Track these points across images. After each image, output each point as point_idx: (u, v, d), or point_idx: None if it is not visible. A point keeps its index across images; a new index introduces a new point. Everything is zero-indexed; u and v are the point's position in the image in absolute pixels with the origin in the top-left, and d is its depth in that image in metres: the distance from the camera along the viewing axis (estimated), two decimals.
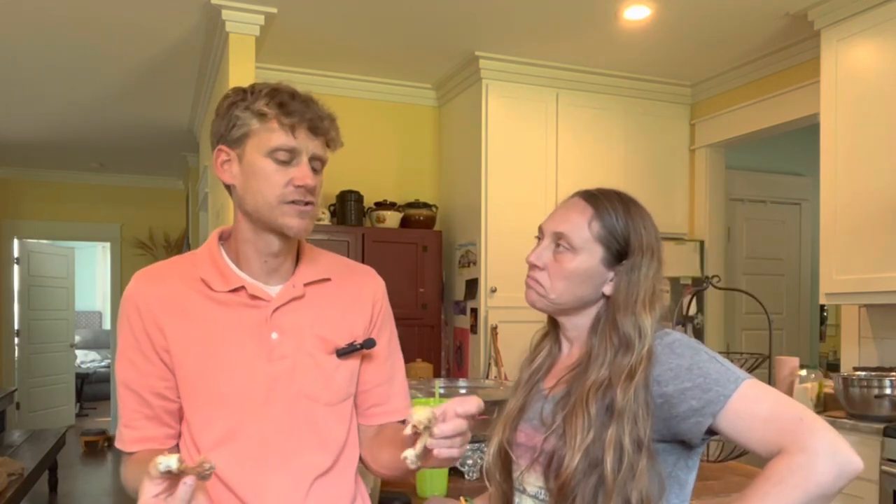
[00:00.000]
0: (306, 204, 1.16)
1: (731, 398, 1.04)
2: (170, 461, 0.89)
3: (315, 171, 1.17)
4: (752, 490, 1.00)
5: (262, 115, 1.14)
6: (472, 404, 1.01)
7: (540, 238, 1.24)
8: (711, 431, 1.07)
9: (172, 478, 0.90)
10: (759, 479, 1.01)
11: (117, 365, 1.21)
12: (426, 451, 1.03)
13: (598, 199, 1.20)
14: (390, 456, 1.19)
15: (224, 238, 1.27)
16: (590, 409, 1.10)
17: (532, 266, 1.22)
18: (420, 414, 1.01)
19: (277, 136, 1.13)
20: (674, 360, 1.10)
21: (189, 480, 0.90)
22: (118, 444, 1.22)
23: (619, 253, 1.18)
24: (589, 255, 1.17)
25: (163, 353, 1.17)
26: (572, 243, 1.18)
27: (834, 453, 0.98)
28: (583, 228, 1.18)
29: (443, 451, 1.00)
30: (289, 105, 1.13)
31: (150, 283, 1.20)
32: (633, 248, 1.17)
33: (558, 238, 1.19)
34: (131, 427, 1.20)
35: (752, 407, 1.04)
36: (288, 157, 1.14)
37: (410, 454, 1.03)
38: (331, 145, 1.20)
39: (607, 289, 1.19)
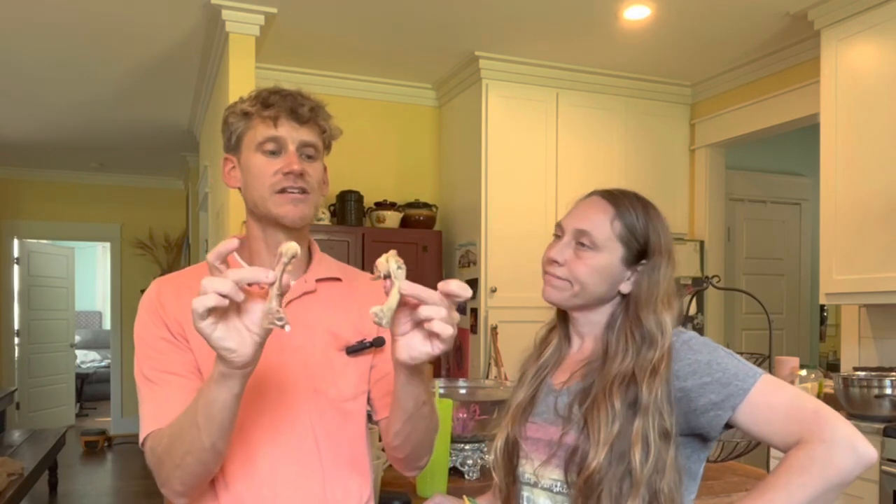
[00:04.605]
0: (298, 191, 1.18)
1: (751, 392, 1.07)
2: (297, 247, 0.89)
3: (309, 157, 1.21)
4: (774, 479, 1.03)
5: (246, 115, 1.21)
6: (454, 284, 0.94)
7: (559, 235, 1.25)
8: (728, 425, 1.10)
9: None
10: (779, 470, 1.04)
11: (140, 362, 1.16)
12: (405, 320, 0.96)
13: (619, 199, 1.22)
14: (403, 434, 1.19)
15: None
16: (614, 403, 1.12)
17: (552, 262, 1.23)
18: (386, 259, 0.94)
19: (261, 130, 1.19)
20: (692, 356, 1.13)
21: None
22: (149, 428, 1.11)
23: (638, 252, 1.20)
24: (610, 254, 1.19)
25: (185, 342, 1.17)
26: (595, 241, 1.20)
27: (851, 443, 1.02)
28: (605, 226, 1.20)
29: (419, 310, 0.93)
30: (268, 99, 1.19)
31: (168, 287, 1.23)
32: (653, 248, 1.20)
33: (580, 235, 1.21)
34: (166, 408, 1.12)
35: (771, 400, 1.08)
36: (275, 148, 1.19)
37: (377, 308, 0.92)
38: (326, 133, 1.23)
39: (624, 287, 1.21)
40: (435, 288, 0.95)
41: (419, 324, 0.96)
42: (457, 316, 0.97)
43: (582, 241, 1.20)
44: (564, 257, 1.22)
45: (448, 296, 0.95)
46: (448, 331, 0.94)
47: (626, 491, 1.08)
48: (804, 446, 1.03)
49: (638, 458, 1.08)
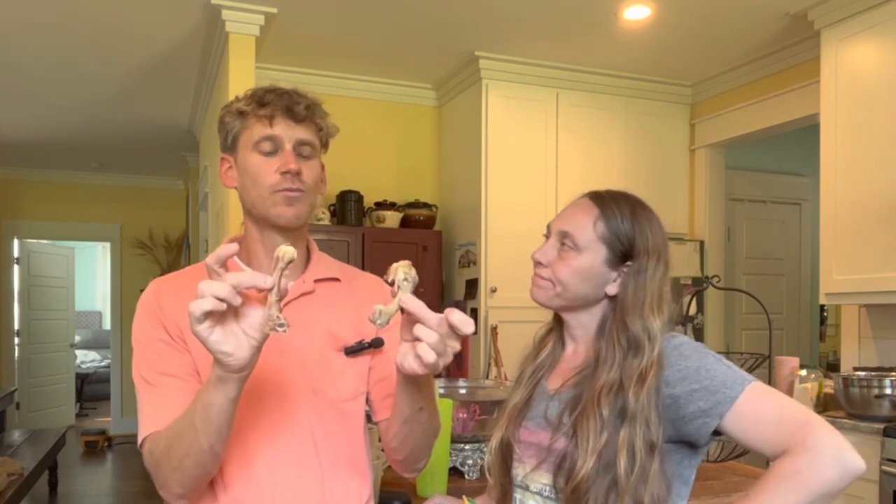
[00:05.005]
0: (295, 191, 1.17)
1: (738, 400, 1.06)
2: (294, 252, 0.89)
3: (305, 156, 1.20)
4: (759, 488, 1.02)
5: (242, 114, 1.20)
6: (456, 316, 0.92)
7: (547, 236, 1.26)
8: (717, 432, 1.09)
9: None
10: (765, 478, 1.03)
11: (138, 364, 1.16)
12: (405, 322, 0.96)
13: (605, 201, 1.22)
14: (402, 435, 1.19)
15: None
16: (602, 411, 1.11)
17: (537, 263, 1.24)
18: (396, 267, 0.95)
19: (257, 129, 1.18)
20: (682, 362, 1.11)
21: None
22: (148, 430, 1.11)
23: (622, 254, 1.19)
24: (592, 255, 1.19)
25: (183, 343, 1.17)
26: (576, 242, 1.20)
27: (838, 454, 1.00)
28: (587, 228, 1.20)
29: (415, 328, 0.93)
30: (264, 97, 1.18)
31: (166, 287, 1.22)
32: (638, 250, 1.19)
33: (563, 236, 1.22)
34: (164, 411, 1.11)
35: (758, 409, 1.06)
36: (271, 147, 1.18)
37: (380, 306, 0.93)
38: (322, 131, 1.22)
39: (611, 289, 1.20)
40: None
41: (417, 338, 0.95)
42: (456, 346, 0.95)
43: (564, 242, 1.21)
44: (548, 258, 1.23)
45: (449, 325, 0.93)
46: (430, 357, 0.92)
47: (612, 501, 1.08)
48: (791, 456, 1.01)
49: (623, 467, 1.07)
